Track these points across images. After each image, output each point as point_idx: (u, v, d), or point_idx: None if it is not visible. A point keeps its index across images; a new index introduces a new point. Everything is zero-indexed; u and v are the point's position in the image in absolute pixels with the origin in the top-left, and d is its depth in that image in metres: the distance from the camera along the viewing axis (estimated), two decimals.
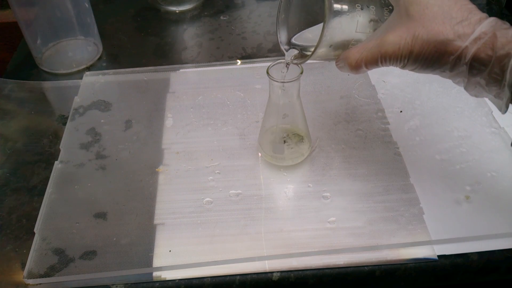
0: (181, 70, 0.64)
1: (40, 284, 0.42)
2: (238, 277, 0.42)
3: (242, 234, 0.45)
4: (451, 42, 0.34)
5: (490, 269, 0.43)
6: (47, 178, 0.50)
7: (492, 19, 0.34)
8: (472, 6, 0.35)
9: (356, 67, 0.38)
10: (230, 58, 0.67)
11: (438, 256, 0.43)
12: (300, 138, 0.49)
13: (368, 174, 0.49)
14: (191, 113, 0.58)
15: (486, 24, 0.34)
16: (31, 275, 0.42)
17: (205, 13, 0.76)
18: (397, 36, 0.36)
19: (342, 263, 0.42)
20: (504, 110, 0.36)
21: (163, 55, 0.68)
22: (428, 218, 0.45)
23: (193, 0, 0.77)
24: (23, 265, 0.43)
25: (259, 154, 0.51)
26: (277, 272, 0.42)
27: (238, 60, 0.65)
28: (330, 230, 0.45)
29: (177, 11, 0.77)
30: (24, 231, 0.46)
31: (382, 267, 0.42)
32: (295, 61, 0.43)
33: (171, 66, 0.65)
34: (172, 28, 0.73)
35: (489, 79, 0.34)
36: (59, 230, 0.46)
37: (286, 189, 0.48)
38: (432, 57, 0.35)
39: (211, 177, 0.50)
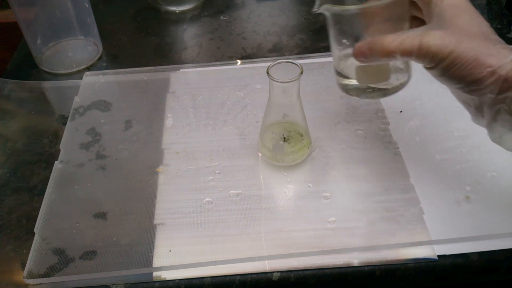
0: (181, 70, 0.64)
1: (40, 284, 0.42)
2: (238, 277, 0.42)
3: (242, 234, 0.45)
4: (491, 56, 0.35)
5: (490, 269, 0.43)
6: (47, 178, 0.51)
7: None
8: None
9: (390, 51, 0.36)
10: (230, 58, 0.67)
11: (438, 256, 0.43)
12: (300, 138, 0.49)
13: (368, 174, 0.49)
14: (191, 113, 0.58)
15: None
16: (31, 275, 0.42)
17: (205, 13, 0.76)
18: (443, 33, 0.36)
19: (342, 263, 0.42)
20: None
21: (163, 55, 0.68)
22: (428, 218, 0.45)
23: (193, 0, 0.77)
24: (23, 265, 0.43)
25: (259, 154, 0.51)
26: (277, 272, 0.42)
27: (238, 60, 0.65)
28: (330, 230, 0.45)
29: (177, 11, 0.77)
30: (24, 231, 0.46)
31: (382, 267, 0.42)
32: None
33: (171, 66, 0.65)
34: (172, 28, 0.73)
35: None
36: (59, 230, 0.46)
37: (286, 189, 0.48)
38: (470, 64, 0.35)
39: (211, 177, 0.50)
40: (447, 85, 0.38)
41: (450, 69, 0.35)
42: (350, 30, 0.42)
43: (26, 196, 0.49)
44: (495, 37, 0.37)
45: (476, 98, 0.37)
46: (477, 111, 0.38)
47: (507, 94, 0.35)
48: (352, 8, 0.40)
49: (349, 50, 0.42)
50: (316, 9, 0.41)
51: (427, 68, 0.37)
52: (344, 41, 0.43)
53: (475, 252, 0.43)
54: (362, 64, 0.41)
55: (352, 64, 0.43)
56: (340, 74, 0.45)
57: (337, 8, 0.40)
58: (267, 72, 0.44)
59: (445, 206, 0.46)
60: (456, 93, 0.39)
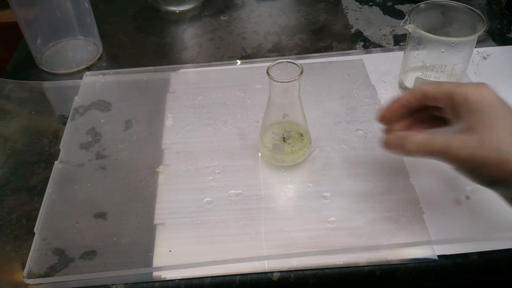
0: (181, 70, 0.64)
1: (40, 284, 0.42)
2: (238, 277, 0.42)
3: (242, 234, 0.45)
4: None
5: (490, 269, 0.43)
6: (47, 178, 0.51)
7: None
8: None
9: (416, 151, 0.38)
10: (230, 58, 0.67)
11: (438, 256, 0.43)
12: (300, 138, 0.49)
13: (368, 174, 0.49)
14: (191, 113, 0.58)
15: None
16: (31, 275, 0.42)
17: (205, 13, 0.76)
18: (467, 137, 0.36)
19: (342, 263, 0.42)
20: None
21: (163, 55, 0.68)
22: (428, 218, 0.45)
23: (193, 0, 0.77)
24: (23, 265, 0.43)
25: (259, 154, 0.51)
26: (277, 272, 0.42)
27: (238, 60, 0.65)
28: (330, 230, 0.45)
29: (177, 11, 0.77)
30: (24, 231, 0.46)
31: (382, 267, 0.42)
32: None
33: (171, 66, 0.65)
34: (172, 28, 0.73)
35: None
36: (59, 230, 0.46)
37: (286, 189, 0.48)
38: (491, 166, 0.35)
39: (211, 177, 0.50)
40: (476, 183, 0.38)
41: (473, 171, 0.36)
42: (423, 49, 0.53)
43: (26, 196, 0.49)
44: None
45: (507, 191, 0.37)
46: (510, 203, 0.39)
47: None
48: (431, 36, 0.50)
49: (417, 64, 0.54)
50: (403, 24, 0.51)
51: (455, 169, 0.38)
52: (415, 55, 0.54)
53: (475, 252, 0.43)
54: (420, 76, 0.51)
55: (413, 76, 0.55)
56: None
57: (419, 31, 0.50)
58: (267, 72, 0.44)
59: (445, 206, 0.46)
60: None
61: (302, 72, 0.44)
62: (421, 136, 0.39)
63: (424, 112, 0.43)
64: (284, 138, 0.49)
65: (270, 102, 0.47)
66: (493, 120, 0.36)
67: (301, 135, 0.49)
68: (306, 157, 0.50)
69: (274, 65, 0.45)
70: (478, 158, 0.35)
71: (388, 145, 0.41)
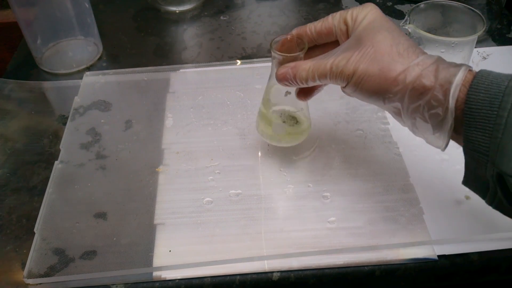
0: (181, 70, 0.64)
1: (40, 284, 0.42)
2: (238, 277, 0.42)
3: (242, 234, 0.45)
4: (395, 63, 0.36)
5: (490, 269, 0.43)
6: (47, 178, 0.51)
7: (436, 55, 0.36)
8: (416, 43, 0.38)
9: (307, 78, 0.40)
10: (230, 58, 0.67)
11: (438, 256, 0.43)
12: (299, 119, 0.48)
13: (368, 174, 0.49)
14: (191, 113, 0.58)
15: (429, 56, 0.36)
16: (31, 275, 0.42)
17: (205, 13, 0.76)
18: (349, 54, 0.38)
19: (342, 263, 0.42)
20: (444, 143, 0.36)
21: (163, 55, 0.68)
22: (428, 218, 0.45)
23: (193, 0, 0.77)
24: (23, 265, 0.43)
25: (258, 150, 0.51)
26: (277, 272, 0.42)
27: (238, 60, 0.65)
28: (330, 230, 0.45)
29: (177, 11, 0.77)
30: (24, 231, 0.46)
31: (382, 267, 0.42)
32: None
33: (171, 66, 0.65)
34: (172, 28, 0.73)
35: (431, 105, 0.35)
36: (59, 230, 0.46)
37: (286, 189, 0.48)
38: (374, 76, 0.36)
39: (211, 177, 0.50)
40: (364, 101, 0.39)
41: (359, 84, 0.37)
42: (423, 49, 0.49)
43: (26, 196, 0.49)
44: (414, 49, 0.37)
45: (395, 108, 0.37)
46: (400, 119, 0.38)
47: (419, 102, 0.35)
48: (431, 36, 0.50)
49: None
50: (403, 24, 0.52)
51: (343, 88, 0.40)
52: None
53: (475, 252, 0.43)
54: None
55: None
56: None
57: (419, 31, 0.51)
58: (271, 46, 0.43)
59: (445, 206, 0.46)
60: (377, 105, 0.40)
61: (305, 48, 0.42)
62: (310, 63, 0.40)
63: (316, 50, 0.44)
64: (283, 119, 0.47)
65: (271, 80, 0.46)
66: (374, 34, 0.37)
67: (301, 116, 0.48)
68: (305, 138, 0.49)
69: (278, 39, 0.43)
70: (359, 70, 0.37)
71: (282, 77, 0.42)
